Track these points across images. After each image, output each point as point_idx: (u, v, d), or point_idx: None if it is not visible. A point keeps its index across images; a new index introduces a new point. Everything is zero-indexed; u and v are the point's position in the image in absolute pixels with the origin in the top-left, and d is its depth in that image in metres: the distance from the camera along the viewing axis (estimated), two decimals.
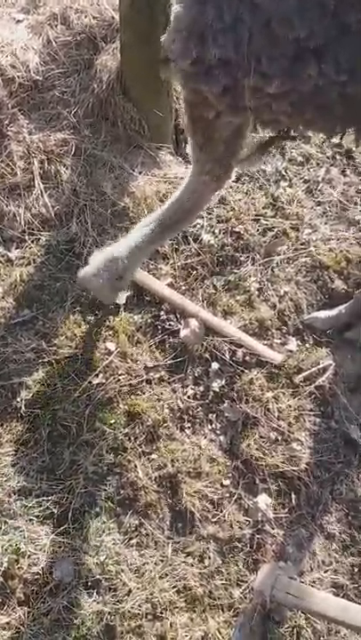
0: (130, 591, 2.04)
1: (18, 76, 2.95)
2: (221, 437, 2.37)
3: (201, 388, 2.46)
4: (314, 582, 2.13)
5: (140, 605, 2.02)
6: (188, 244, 2.75)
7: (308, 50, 1.42)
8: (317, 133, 3.07)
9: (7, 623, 1.95)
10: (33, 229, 2.71)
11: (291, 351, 2.56)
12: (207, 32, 1.47)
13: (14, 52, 3.00)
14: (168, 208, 2.15)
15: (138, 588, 2.05)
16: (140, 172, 2.89)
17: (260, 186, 2.97)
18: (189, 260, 2.73)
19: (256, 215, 2.86)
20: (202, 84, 1.60)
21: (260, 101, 1.56)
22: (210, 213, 2.82)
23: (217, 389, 2.45)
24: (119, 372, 2.43)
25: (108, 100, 2.95)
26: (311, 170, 3.09)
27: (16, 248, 2.68)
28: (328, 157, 3.14)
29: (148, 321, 2.59)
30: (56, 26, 3.06)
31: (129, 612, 2.01)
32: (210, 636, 2.02)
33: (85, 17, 3.07)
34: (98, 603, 2.01)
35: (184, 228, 2.56)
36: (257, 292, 2.68)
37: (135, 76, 2.86)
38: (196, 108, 1.75)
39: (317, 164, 3.12)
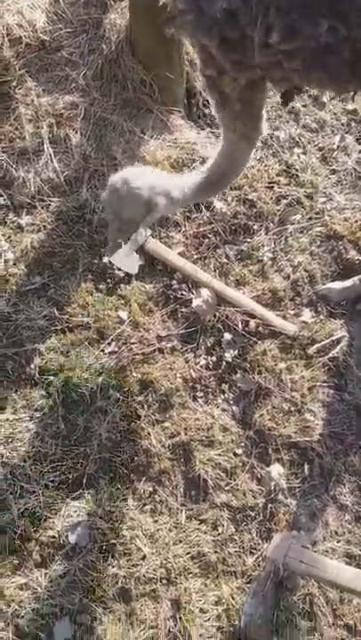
0: (144, 556, 2.16)
1: (25, 36, 2.99)
2: (234, 407, 2.47)
3: (213, 358, 2.55)
4: (327, 552, 2.25)
5: (154, 570, 2.14)
6: (200, 211, 2.83)
7: (319, 3, 1.44)
8: (330, 92, 3.12)
9: (24, 584, 2.07)
10: (43, 195, 2.77)
11: (304, 322, 2.65)
12: None
13: (20, 11, 3.03)
14: (210, 167, 2.13)
15: (152, 554, 2.16)
16: (150, 137, 2.95)
17: (274, 152, 3.04)
18: (201, 229, 2.80)
19: (270, 183, 2.93)
20: (206, 38, 1.62)
21: (270, 59, 1.58)
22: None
23: (230, 360, 2.55)
24: (131, 341, 2.53)
25: (118, 62, 2.99)
26: (326, 137, 3.16)
27: (26, 214, 2.75)
28: (343, 124, 3.21)
29: (160, 290, 2.67)
30: None
31: (144, 576, 2.13)
32: (223, 601, 2.14)
33: None
34: (113, 566, 2.13)
35: (224, 188, 2.58)
36: (270, 262, 2.76)
37: (145, 36, 2.89)
38: (205, 66, 1.80)
39: (332, 131, 3.18)
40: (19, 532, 2.12)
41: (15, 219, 2.74)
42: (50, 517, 2.15)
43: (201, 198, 2.51)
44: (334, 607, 2.19)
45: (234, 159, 2.12)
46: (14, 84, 2.91)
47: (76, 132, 2.89)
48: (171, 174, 2.30)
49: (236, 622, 2.12)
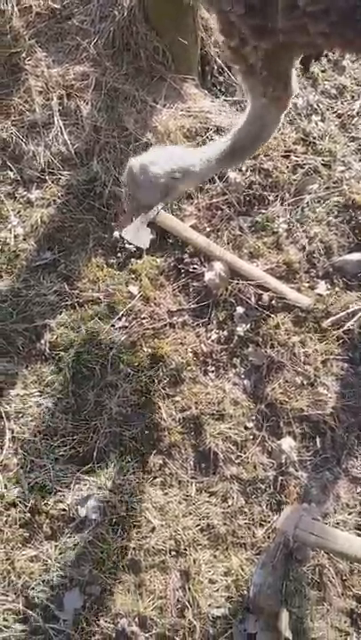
0: (154, 528, 2.21)
1: (35, 5, 2.97)
2: (245, 381, 2.48)
3: (225, 333, 2.56)
4: (338, 524, 2.26)
5: (164, 542, 2.19)
6: (214, 182, 2.80)
7: None
8: (355, 55, 3.03)
9: (35, 556, 2.13)
10: (53, 169, 2.78)
11: (319, 295, 2.63)
12: None
13: None
14: (236, 133, 2.08)
15: (162, 526, 2.21)
16: (163, 106, 2.92)
17: (291, 120, 2.98)
18: (215, 200, 2.78)
19: (286, 151, 2.88)
20: (229, 4, 1.59)
21: (295, 22, 1.54)
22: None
23: (242, 334, 2.54)
24: (142, 316, 2.54)
25: (130, 29, 2.95)
26: (345, 103, 3.08)
27: (36, 188, 2.76)
28: None
29: (172, 264, 2.67)
30: None
31: (153, 547, 2.18)
32: (232, 572, 2.18)
33: None
34: (123, 539, 2.17)
35: (252, 154, 2.52)
36: (285, 234, 2.74)
37: (158, 1, 2.84)
38: (226, 37, 1.75)
39: (352, 97, 3.10)
40: (29, 505, 2.18)
41: (25, 193, 2.75)
42: (60, 491, 2.21)
43: (226, 166, 2.45)
44: (344, 578, 2.21)
45: (265, 123, 2.04)
46: (24, 54, 2.90)
47: (87, 104, 2.88)
48: (191, 149, 2.25)
49: (245, 592, 2.16)
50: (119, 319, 2.53)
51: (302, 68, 1.89)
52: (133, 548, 2.17)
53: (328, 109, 3.05)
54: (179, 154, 2.10)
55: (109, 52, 2.98)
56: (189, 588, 2.13)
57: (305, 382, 2.46)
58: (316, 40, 1.61)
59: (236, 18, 1.62)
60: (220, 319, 2.58)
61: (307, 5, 1.46)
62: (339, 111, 3.05)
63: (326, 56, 3.17)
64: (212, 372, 2.49)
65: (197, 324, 2.56)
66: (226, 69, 3.12)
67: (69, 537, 2.16)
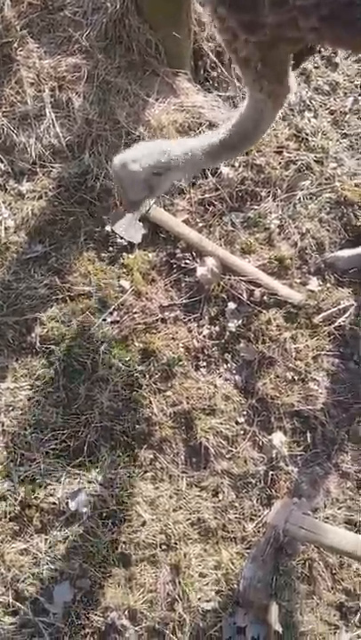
0: (144, 522, 2.23)
1: None
2: (237, 376, 2.51)
3: (217, 328, 2.58)
4: (327, 518, 2.30)
5: (154, 536, 2.21)
6: (206, 177, 2.82)
7: None
8: (346, 51, 3.05)
9: (25, 549, 2.15)
10: (44, 161, 2.79)
11: (311, 291, 2.66)
12: None
13: None
14: (230, 128, 2.07)
15: (152, 520, 2.23)
16: (156, 100, 2.93)
17: (284, 116, 3.01)
18: (207, 195, 2.81)
19: (278, 147, 2.91)
20: (220, 8, 1.60)
21: (284, 16, 1.53)
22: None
23: (233, 329, 2.57)
24: (134, 311, 2.56)
25: (123, 22, 2.96)
26: (338, 100, 3.12)
27: (27, 181, 2.77)
28: (356, 86, 3.16)
29: (164, 259, 2.69)
30: None
31: (143, 541, 2.20)
32: (222, 565, 2.21)
33: None
34: (113, 532, 2.20)
35: (244, 150, 2.53)
36: (277, 230, 2.77)
37: None
38: (218, 30, 1.76)
39: (345, 94, 3.14)
40: (19, 498, 2.19)
41: (16, 185, 2.76)
42: (50, 484, 2.23)
43: (215, 162, 2.45)
44: (334, 572, 2.25)
45: (259, 119, 2.03)
46: (15, 45, 2.89)
47: (79, 96, 2.88)
48: (181, 141, 2.25)
49: (235, 586, 2.19)
50: (110, 313, 2.54)
51: (293, 64, 1.90)
52: (124, 542, 2.20)
53: (321, 106, 3.09)
54: (162, 149, 2.08)
55: (102, 45, 2.98)
56: (179, 582, 2.16)
57: (296, 378, 2.50)
58: (307, 35, 1.61)
59: (225, 12, 1.62)
60: (212, 314, 2.60)
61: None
62: (331, 108, 3.08)
63: (320, 52, 3.20)
64: (204, 367, 2.52)
65: (189, 320, 2.58)
66: (219, 64, 3.14)
67: (59, 530, 2.19)
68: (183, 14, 2.93)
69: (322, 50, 3.19)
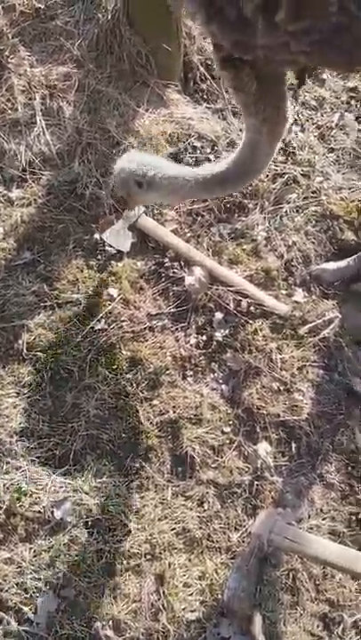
0: (129, 532, 2.19)
1: (19, 4, 2.96)
2: (223, 386, 2.49)
3: (204, 338, 2.56)
4: (312, 529, 2.28)
5: (139, 545, 2.18)
6: None
7: None
8: (336, 72, 3.07)
9: (9, 558, 2.10)
10: (34, 168, 2.76)
11: (297, 302, 2.65)
12: None
13: None
14: (227, 163, 2.08)
15: (137, 529, 2.20)
16: (146, 110, 2.93)
17: None
18: (195, 206, 2.80)
19: None
20: (211, 25, 1.59)
21: (276, 40, 1.52)
22: (218, 157, 2.87)
23: (220, 339, 2.55)
24: (121, 319, 2.53)
25: (114, 32, 2.95)
26: (325, 115, 3.13)
27: (17, 188, 2.74)
28: (343, 102, 3.18)
29: (152, 268, 2.67)
30: None
31: (128, 551, 2.17)
32: (207, 575, 2.18)
33: None
34: (98, 542, 2.16)
35: (239, 187, 2.50)
36: (264, 242, 2.76)
37: (142, 6, 2.85)
38: (214, 49, 1.75)
39: (331, 109, 3.16)
40: (4, 507, 2.14)
41: (5, 192, 2.72)
42: (35, 493, 2.18)
43: (208, 195, 2.48)
44: (317, 582, 2.23)
45: (254, 155, 2.02)
46: (7, 53, 2.87)
47: (70, 104, 2.87)
48: (179, 165, 2.29)
49: (220, 596, 2.16)
50: (98, 321, 2.51)
51: (297, 84, 1.89)
52: (108, 552, 2.15)
53: (308, 120, 3.10)
54: (155, 164, 2.13)
55: (93, 55, 2.98)
56: (164, 592, 2.12)
57: (281, 388, 2.49)
58: (298, 57, 1.61)
59: (217, 31, 1.60)
60: (200, 324, 2.59)
61: (288, 24, 1.45)
62: (318, 122, 3.10)
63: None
64: (191, 376, 2.50)
65: (177, 329, 2.56)
66: (208, 77, 3.15)
67: (44, 539, 2.14)
68: (174, 27, 2.93)
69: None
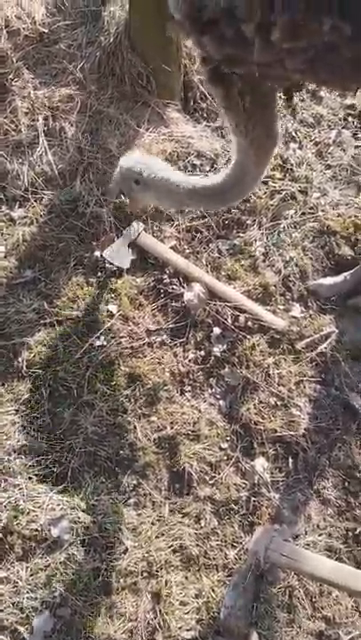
0: (126, 549, 2.07)
1: (23, 28, 2.85)
2: (221, 402, 2.36)
3: (202, 353, 2.44)
4: (308, 545, 2.15)
5: (136, 563, 2.05)
6: None
7: (324, 1, 1.30)
8: (331, 90, 2.95)
9: (5, 577, 1.98)
10: (36, 188, 2.65)
11: (294, 317, 2.53)
12: None
13: (20, 3, 2.90)
14: (217, 179, 2.01)
15: (134, 547, 2.07)
16: (146, 130, 2.81)
17: None
18: (194, 223, 2.67)
19: (264, 177, 2.77)
20: (203, 37, 1.49)
21: (272, 57, 1.44)
22: (216, 174, 2.74)
23: (218, 354, 2.43)
24: (121, 335, 2.41)
25: (116, 55, 2.84)
26: (322, 132, 3.00)
27: (19, 207, 2.63)
28: (340, 119, 3.04)
29: (151, 284, 2.55)
30: None
31: (125, 569, 2.04)
32: (204, 594, 2.05)
33: None
34: (95, 560, 2.04)
35: (226, 204, 2.44)
36: (262, 257, 2.63)
37: (144, 29, 2.75)
38: (202, 62, 1.65)
39: (329, 126, 3.02)
40: (1, 525, 2.03)
41: (7, 211, 2.62)
42: (33, 511, 2.06)
43: (196, 206, 2.40)
44: (314, 600, 2.10)
45: (241, 176, 1.94)
46: (11, 76, 2.77)
47: (72, 125, 2.75)
48: (176, 171, 2.19)
49: (216, 614, 2.03)
50: (97, 338, 2.39)
51: (286, 100, 1.77)
52: (105, 570, 2.03)
53: (306, 137, 2.97)
54: (153, 164, 2.08)
55: (95, 77, 2.87)
56: (160, 611, 2.00)
57: (279, 403, 2.35)
58: (293, 75, 1.54)
59: (208, 43, 1.50)
60: (198, 339, 2.46)
61: (283, 42, 1.37)
62: (316, 139, 2.96)
63: (305, 86, 3.08)
64: (189, 391, 2.37)
65: (175, 344, 2.44)
66: (208, 96, 3.02)
67: (41, 558, 2.02)
68: (174, 48, 2.83)
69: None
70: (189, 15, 1.45)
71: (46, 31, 2.90)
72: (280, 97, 1.97)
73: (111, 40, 2.86)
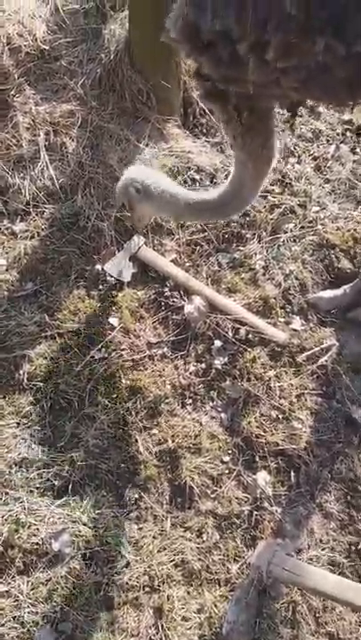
0: (128, 563, 2.06)
1: (24, 45, 2.89)
2: (222, 414, 2.36)
3: (203, 366, 2.45)
4: (311, 560, 2.14)
5: (137, 578, 2.04)
6: None
7: (318, 21, 1.33)
8: (328, 106, 2.99)
9: (6, 592, 1.97)
10: (38, 202, 2.67)
11: (295, 330, 2.54)
12: (205, 3, 1.39)
13: (21, 21, 2.94)
14: (217, 193, 2.05)
15: (136, 561, 2.06)
16: (146, 145, 2.84)
17: None
18: (194, 237, 2.70)
19: (264, 191, 2.81)
20: (200, 57, 1.52)
21: (268, 77, 1.47)
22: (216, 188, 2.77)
23: (219, 367, 2.44)
24: (122, 348, 2.42)
25: (116, 71, 2.89)
26: (321, 146, 3.03)
27: (20, 221, 2.65)
28: (338, 134, 3.08)
29: (152, 297, 2.57)
30: None
31: (127, 583, 2.03)
32: (206, 609, 2.03)
33: None
34: (96, 574, 2.02)
35: (224, 217, 2.50)
36: (262, 270, 2.65)
37: (144, 46, 2.79)
38: (198, 78, 1.68)
39: (327, 141, 3.06)
40: (2, 538, 2.01)
41: (9, 225, 2.64)
42: (34, 524, 2.05)
43: (196, 219, 2.45)
44: (317, 615, 2.08)
45: (238, 190, 1.97)
46: (13, 92, 2.81)
47: (73, 140, 2.79)
48: (176, 185, 2.24)
49: (219, 630, 2.01)
50: (99, 350, 2.40)
51: (290, 116, 1.81)
52: (107, 584, 2.02)
53: (304, 152, 3.00)
54: (154, 176, 2.14)
55: (95, 92, 2.91)
56: (162, 626, 1.98)
57: (280, 416, 2.36)
58: (289, 93, 1.56)
59: (207, 67, 1.54)
60: (199, 352, 2.47)
61: (277, 61, 1.40)
62: (314, 154, 3.00)
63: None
64: (190, 404, 2.37)
65: (176, 357, 2.45)
66: (207, 111, 3.06)
67: (42, 572, 2.01)
68: (173, 65, 2.87)
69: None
70: (188, 37, 1.48)
71: (47, 48, 2.94)
72: (281, 113, 2.00)
73: (111, 57, 2.91)
